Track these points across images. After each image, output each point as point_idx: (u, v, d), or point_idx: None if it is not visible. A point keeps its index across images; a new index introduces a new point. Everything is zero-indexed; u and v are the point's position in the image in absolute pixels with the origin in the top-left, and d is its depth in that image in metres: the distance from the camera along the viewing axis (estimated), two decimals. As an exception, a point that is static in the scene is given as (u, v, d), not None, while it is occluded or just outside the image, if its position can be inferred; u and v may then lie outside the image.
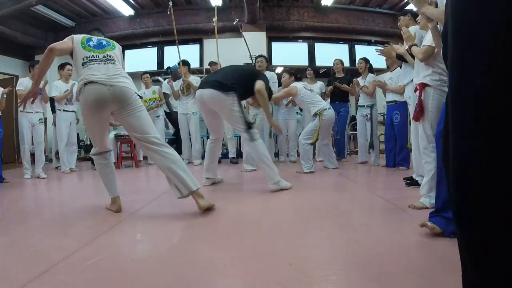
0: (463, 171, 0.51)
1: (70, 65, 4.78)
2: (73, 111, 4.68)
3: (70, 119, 4.63)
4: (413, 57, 2.29)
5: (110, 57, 2.07)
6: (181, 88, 5.02)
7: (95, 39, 2.14)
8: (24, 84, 4.02)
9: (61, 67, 4.73)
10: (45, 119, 4.43)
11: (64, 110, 4.55)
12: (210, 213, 2.12)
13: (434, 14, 1.79)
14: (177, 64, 5.44)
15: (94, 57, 2.04)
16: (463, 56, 0.52)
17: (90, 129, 2.14)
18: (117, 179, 2.26)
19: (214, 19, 4.92)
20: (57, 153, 4.73)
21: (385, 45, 2.87)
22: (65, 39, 2.11)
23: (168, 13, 4.75)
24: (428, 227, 1.50)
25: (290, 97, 4.80)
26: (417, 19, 2.39)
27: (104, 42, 2.14)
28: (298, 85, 3.94)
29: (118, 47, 2.20)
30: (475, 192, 0.49)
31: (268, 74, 4.37)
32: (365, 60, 4.55)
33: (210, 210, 2.11)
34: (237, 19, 5.79)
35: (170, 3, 4.82)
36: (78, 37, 2.12)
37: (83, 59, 2.03)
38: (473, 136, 0.50)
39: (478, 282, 0.51)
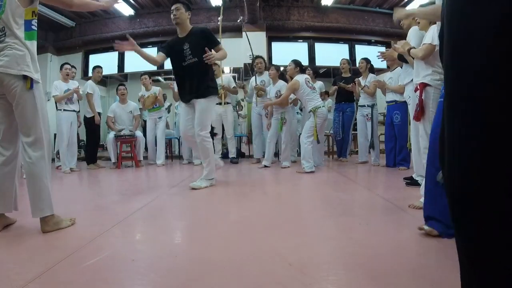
0: (463, 171, 0.51)
1: (69, 64, 4.79)
2: (74, 111, 4.68)
3: (71, 118, 4.63)
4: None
5: (1, 31, 1.69)
6: None
7: None
8: None
9: (61, 67, 4.75)
10: None
11: (64, 110, 4.55)
12: (210, 213, 2.12)
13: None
14: None
15: None
16: (458, 57, 0.52)
17: None
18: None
19: (219, 18, 4.92)
20: (58, 152, 4.74)
21: (386, 49, 2.87)
22: None
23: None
24: (426, 230, 1.51)
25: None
26: (416, 19, 2.39)
27: None
28: (301, 79, 3.94)
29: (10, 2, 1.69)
30: (474, 191, 0.49)
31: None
32: (366, 60, 4.55)
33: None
34: (241, 17, 5.79)
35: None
36: None
37: None
38: (471, 136, 0.50)
39: (476, 282, 0.51)
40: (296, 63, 4.09)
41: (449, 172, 0.54)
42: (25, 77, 1.68)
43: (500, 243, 0.47)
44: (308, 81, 4.00)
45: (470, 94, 0.49)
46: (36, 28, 1.83)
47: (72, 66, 4.83)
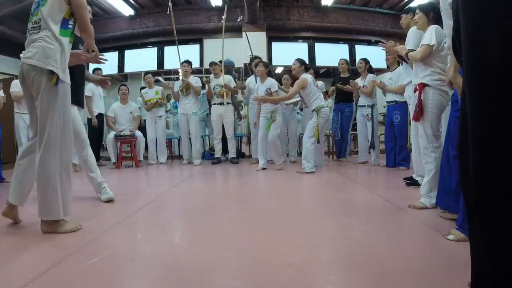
0: (483, 169, 0.53)
1: None
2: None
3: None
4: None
5: (36, 23, 1.69)
6: (181, 88, 5.02)
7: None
8: (18, 86, 4.02)
9: None
10: None
11: None
12: (211, 213, 2.12)
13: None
14: (230, 59, 5.42)
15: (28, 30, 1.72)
16: (475, 51, 0.52)
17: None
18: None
19: (223, 17, 4.92)
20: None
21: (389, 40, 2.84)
22: None
23: (168, 13, 4.74)
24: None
25: (293, 99, 4.83)
26: (414, 18, 2.39)
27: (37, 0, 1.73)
28: (308, 77, 3.95)
29: None
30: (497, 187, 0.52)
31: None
32: (365, 60, 4.55)
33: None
34: (241, 16, 5.78)
35: (170, 4, 4.81)
36: None
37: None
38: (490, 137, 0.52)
39: (498, 276, 0.52)
40: (301, 61, 4.11)
41: (477, 166, 0.56)
42: (51, 72, 1.63)
43: None
44: (314, 80, 4.02)
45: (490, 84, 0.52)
46: (72, 28, 1.77)
47: None
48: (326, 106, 3.92)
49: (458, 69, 1.49)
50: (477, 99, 0.54)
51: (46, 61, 1.62)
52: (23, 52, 1.68)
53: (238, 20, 5.71)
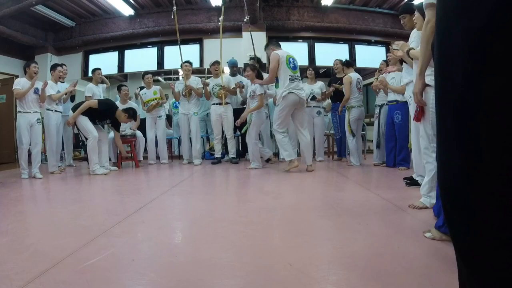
0: (452, 175, 0.52)
1: (61, 66, 4.77)
2: (61, 112, 4.62)
3: (60, 119, 4.62)
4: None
5: None
6: (184, 93, 5.02)
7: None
8: (21, 83, 4.02)
9: (53, 68, 4.69)
10: (43, 118, 4.42)
11: (55, 111, 4.51)
12: (210, 213, 2.12)
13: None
14: (234, 60, 5.45)
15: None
16: (443, 63, 0.52)
17: None
18: None
19: (220, 18, 4.92)
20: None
21: (391, 48, 2.84)
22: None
23: (172, 17, 4.77)
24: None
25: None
26: (413, 18, 2.38)
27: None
28: (354, 76, 4.34)
29: None
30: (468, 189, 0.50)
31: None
32: (341, 61, 4.75)
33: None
34: (247, 17, 5.78)
35: (174, 7, 4.81)
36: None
37: None
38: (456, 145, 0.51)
39: (471, 283, 0.51)
40: (344, 61, 4.53)
41: (444, 170, 0.55)
42: None
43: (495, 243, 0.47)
44: (360, 81, 4.41)
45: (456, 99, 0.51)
46: None
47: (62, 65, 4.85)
48: (359, 107, 4.36)
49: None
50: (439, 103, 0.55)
51: None
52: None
53: (245, 20, 5.72)
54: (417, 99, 2.00)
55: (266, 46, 4.26)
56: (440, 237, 1.47)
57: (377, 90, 4.41)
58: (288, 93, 3.75)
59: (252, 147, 4.35)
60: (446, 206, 0.54)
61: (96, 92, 4.95)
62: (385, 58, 5.53)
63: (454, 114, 0.50)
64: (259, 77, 4.52)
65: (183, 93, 5.01)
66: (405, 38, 2.59)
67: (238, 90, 5.11)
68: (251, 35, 5.11)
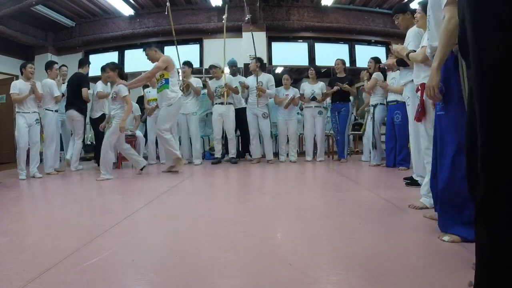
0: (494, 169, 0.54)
1: (56, 63, 4.74)
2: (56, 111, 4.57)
3: (60, 118, 4.61)
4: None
5: None
6: (181, 88, 5.02)
7: None
8: (17, 87, 3.98)
9: (49, 66, 4.60)
10: (41, 118, 4.41)
11: (55, 111, 4.49)
12: (211, 213, 2.12)
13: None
14: (234, 59, 5.45)
15: None
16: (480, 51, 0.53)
17: None
18: None
19: (224, 16, 4.92)
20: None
21: (391, 48, 2.84)
22: None
23: (166, 13, 4.75)
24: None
25: (290, 98, 4.87)
26: (414, 16, 2.38)
27: None
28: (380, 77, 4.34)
29: None
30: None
31: (265, 76, 4.36)
32: (376, 59, 4.56)
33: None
34: (248, 16, 5.78)
35: (168, 3, 4.81)
36: None
37: None
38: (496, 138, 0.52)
39: (503, 276, 0.52)
40: (375, 59, 4.55)
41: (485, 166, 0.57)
42: None
43: None
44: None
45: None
46: None
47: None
48: (381, 104, 4.35)
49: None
50: (482, 99, 0.54)
51: None
52: None
53: (246, 19, 5.73)
54: (431, 94, 1.96)
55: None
56: (458, 239, 1.40)
57: (371, 91, 4.44)
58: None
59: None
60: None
61: (105, 90, 4.88)
62: (385, 58, 5.53)
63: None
64: (262, 68, 4.60)
65: (181, 88, 5.01)
66: (405, 38, 2.58)
67: (240, 89, 5.12)
68: (252, 35, 5.11)
